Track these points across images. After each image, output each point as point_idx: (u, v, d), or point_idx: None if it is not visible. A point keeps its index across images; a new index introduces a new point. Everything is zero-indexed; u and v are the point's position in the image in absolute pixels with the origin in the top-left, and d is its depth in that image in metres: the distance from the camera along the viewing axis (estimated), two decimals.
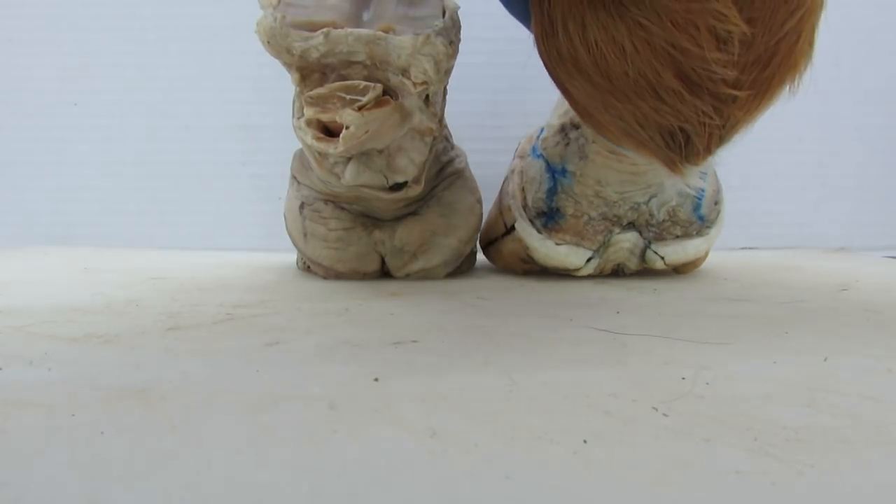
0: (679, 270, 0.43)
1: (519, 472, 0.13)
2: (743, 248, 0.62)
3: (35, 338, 0.24)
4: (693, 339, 0.25)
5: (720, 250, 0.56)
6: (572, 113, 0.39)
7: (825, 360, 0.22)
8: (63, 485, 0.12)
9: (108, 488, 0.12)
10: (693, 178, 0.31)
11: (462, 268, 0.45)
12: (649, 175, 0.37)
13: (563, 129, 0.40)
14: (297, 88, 0.35)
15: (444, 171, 0.42)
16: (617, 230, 0.39)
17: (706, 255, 0.43)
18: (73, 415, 0.16)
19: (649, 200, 0.39)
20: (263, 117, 0.61)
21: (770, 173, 0.63)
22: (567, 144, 0.39)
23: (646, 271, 0.43)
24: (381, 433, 0.15)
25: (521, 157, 0.43)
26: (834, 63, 0.63)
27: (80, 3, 0.60)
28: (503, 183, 0.45)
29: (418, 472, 0.13)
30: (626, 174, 0.37)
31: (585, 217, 0.39)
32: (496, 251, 0.45)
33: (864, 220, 0.64)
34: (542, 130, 0.42)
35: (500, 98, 0.60)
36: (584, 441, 0.14)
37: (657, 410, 0.16)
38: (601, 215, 0.39)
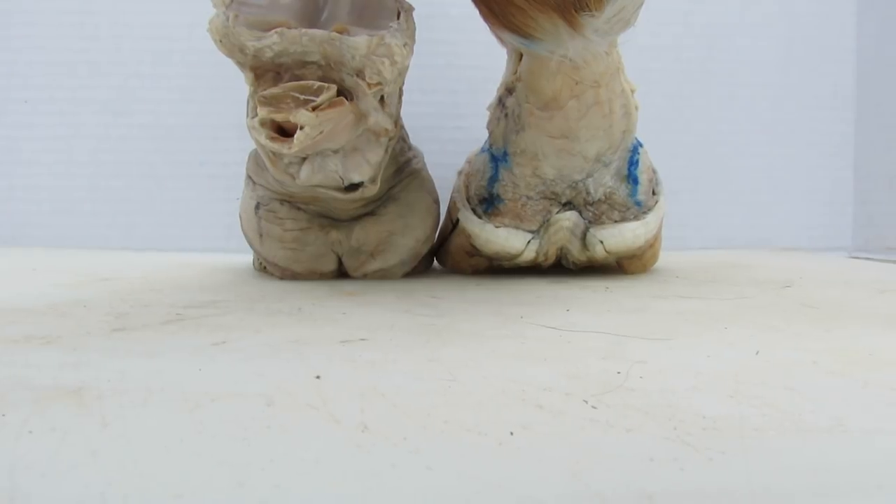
0: (625, 267, 0.44)
1: (441, 463, 0.13)
2: (697, 249, 0.63)
3: None
4: (636, 334, 0.26)
5: (674, 251, 0.57)
6: (506, 81, 0.40)
7: (757, 353, 0.22)
8: None
9: (28, 486, 0.12)
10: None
11: (419, 268, 0.45)
12: (581, 140, 0.37)
13: (500, 102, 0.41)
14: (251, 88, 0.35)
15: (402, 171, 0.43)
16: (556, 209, 0.40)
17: (654, 253, 0.44)
18: (3, 415, 0.16)
19: (586, 178, 0.39)
20: (221, 117, 0.60)
21: (723, 177, 0.65)
22: (506, 117, 0.40)
23: (599, 270, 0.44)
24: (313, 429, 0.15)
25: (468, 162, 0.44)
26: (783, 71, 0.65)
27: None
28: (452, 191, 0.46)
29: (343, 464, 0.13)
30: (559, 140, 0.37)
31: (524, 198, 0.40)
32: (445, 251, 0.46)
33: (812, 222, 0.66)
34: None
35: (460, 99, 0.61)
36: (511, 433, 0.15)
37: (587, 403, 0.17)
38: (539, 194, 0.40)
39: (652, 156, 0.43)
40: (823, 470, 0.14)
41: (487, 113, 0.43)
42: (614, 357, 0.22)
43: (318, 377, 0.19)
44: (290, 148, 0.33)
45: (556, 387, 0.19)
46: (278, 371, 0.20)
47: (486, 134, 0.43)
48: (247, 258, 0.50)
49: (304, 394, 0.18)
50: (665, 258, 0.49)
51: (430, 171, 0.45)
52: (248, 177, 0.42)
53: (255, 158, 0.42)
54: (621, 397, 0.17)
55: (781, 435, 0.15)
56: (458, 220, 0.42)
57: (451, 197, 0.45)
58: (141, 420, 0.16)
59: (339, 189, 0.36)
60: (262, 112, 0.33)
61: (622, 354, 0.22)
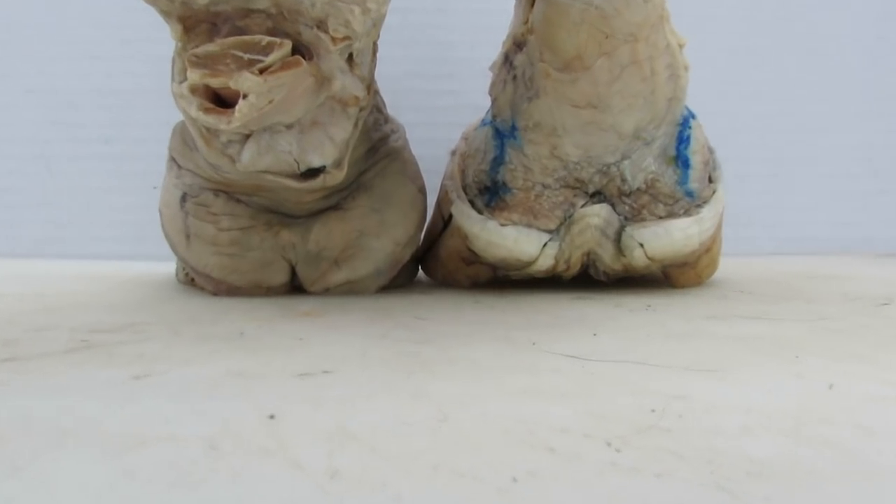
0: (673, 278, 0.45)
1: None
2: (770, 254, 0.65)
3: None
4: (679, 365, 0.27)
5: (739, 256, 0.59)
6: (515, 33, 0.42)
7: (830, 387, 0.24)
8: None
9: None
10: None
11: (399, 279, 0.47)
12: (614, 110, 0.38)
13: (506, 60, 0.42)
14: (179, 44, 0.36)
15: (376, 151, 0.44)
16: (581, 202, 0.41)
17: (710, 260, 0.46)
18: None
19: (621, 161, 0.41)
20: (134, 79, 0.61)
21: (804, 159, 0.66)
22: (514, 80, 0.41)
23: (640, 283, 0.46)
24: (271, 474, 0.17)
25: (465, 139, 0.45)
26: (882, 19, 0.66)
27: None
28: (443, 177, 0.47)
29: None
30: (585, 110, 0.39)
31: (538, 187, 0.41)
32: (434, 257, 0.47)
33: None
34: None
35: (453, 55, 0.62)
36: (514, 479, 0.17)
37: (610, 446, 0.19)
38: (559, 181, 0.41)
39: (708, 131, 0.45)
40: None
41: (490, 74, 0.44)
42: (649, 392, 0.24)
43: (271, 417, 0.21)
44: (229, 122, 0.34)
45: (574, 427, 0.21)
46: (220, 410, 0.22)
47: (487, 101, 0.44)
48: (168, 268, 0.51)
49: (256, 436, 0.20)
50: (726, 266, 0.51)
51: (413, 151, 0.47)
52: (172, 159, 0.44)
53: (181, 135, 0.43)
54: (653, 439, 0.19)
55: (840, 478, 0.17)
56: (451, 216, 0.43)
57: (443, 185, 0.46)
58: (59, 465, 0.17)
59: (293, 176, 0.37)
60: (194, 75, 0.34)
61: (659, 389, 0.24)
